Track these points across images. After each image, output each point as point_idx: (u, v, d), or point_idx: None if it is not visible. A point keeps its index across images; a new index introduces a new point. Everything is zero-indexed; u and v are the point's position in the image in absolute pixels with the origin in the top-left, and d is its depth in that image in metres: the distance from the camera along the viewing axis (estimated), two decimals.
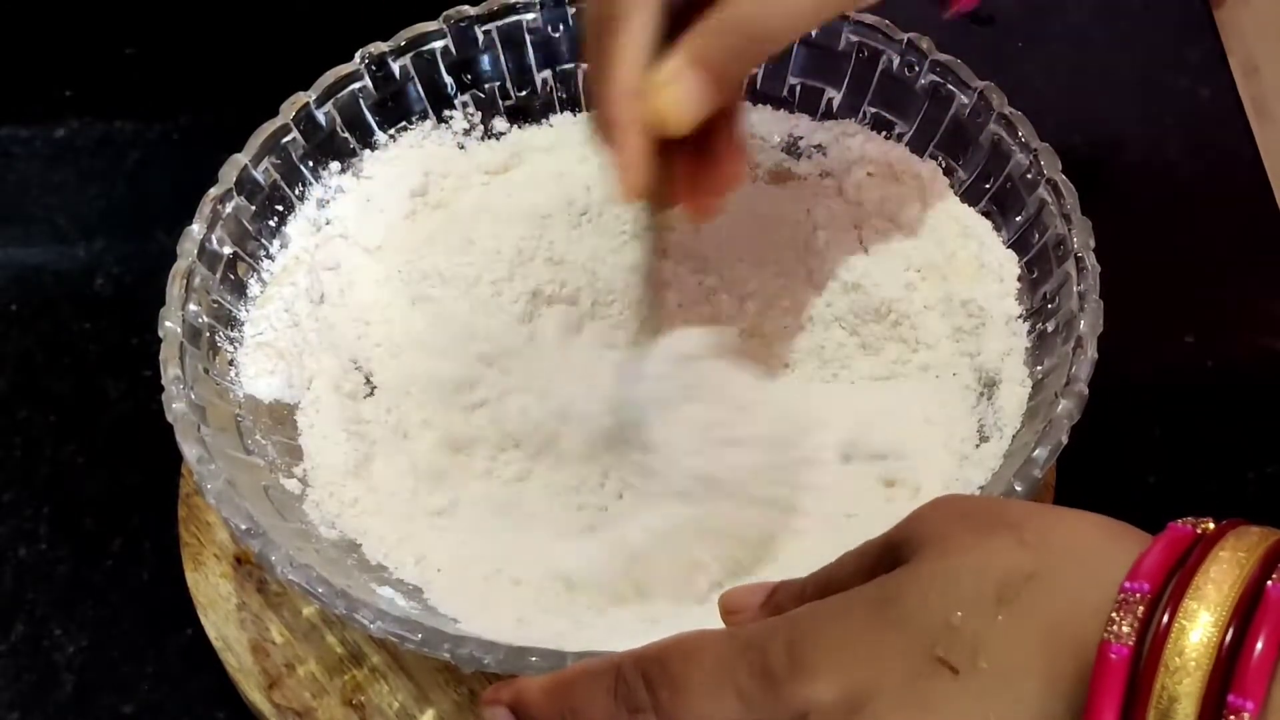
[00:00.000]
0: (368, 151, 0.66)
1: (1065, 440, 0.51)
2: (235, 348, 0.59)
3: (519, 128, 0.69)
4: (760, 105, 0.69)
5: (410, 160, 0.67)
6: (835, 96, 0.67)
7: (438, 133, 0.68)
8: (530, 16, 0.67)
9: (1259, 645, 0.29)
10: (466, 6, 0.67)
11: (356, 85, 0.65)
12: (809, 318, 0.65)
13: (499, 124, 0.69)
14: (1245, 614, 0.29)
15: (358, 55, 0.65)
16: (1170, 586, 0.30)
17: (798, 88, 0.68)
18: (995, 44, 0.85)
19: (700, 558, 0.56)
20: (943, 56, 0.64)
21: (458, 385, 0.63)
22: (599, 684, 0.37)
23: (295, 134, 0.63)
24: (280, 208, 0.63)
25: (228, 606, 0.59)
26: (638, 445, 0.59)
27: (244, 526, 0.50)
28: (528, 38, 0.68)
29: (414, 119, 0.67)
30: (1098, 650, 0.30)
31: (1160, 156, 0.80)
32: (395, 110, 0.67)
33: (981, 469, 0.55)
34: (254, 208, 0.62)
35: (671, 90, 0.50)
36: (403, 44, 0.66)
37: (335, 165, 0.65)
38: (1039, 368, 0.56)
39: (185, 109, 0.83)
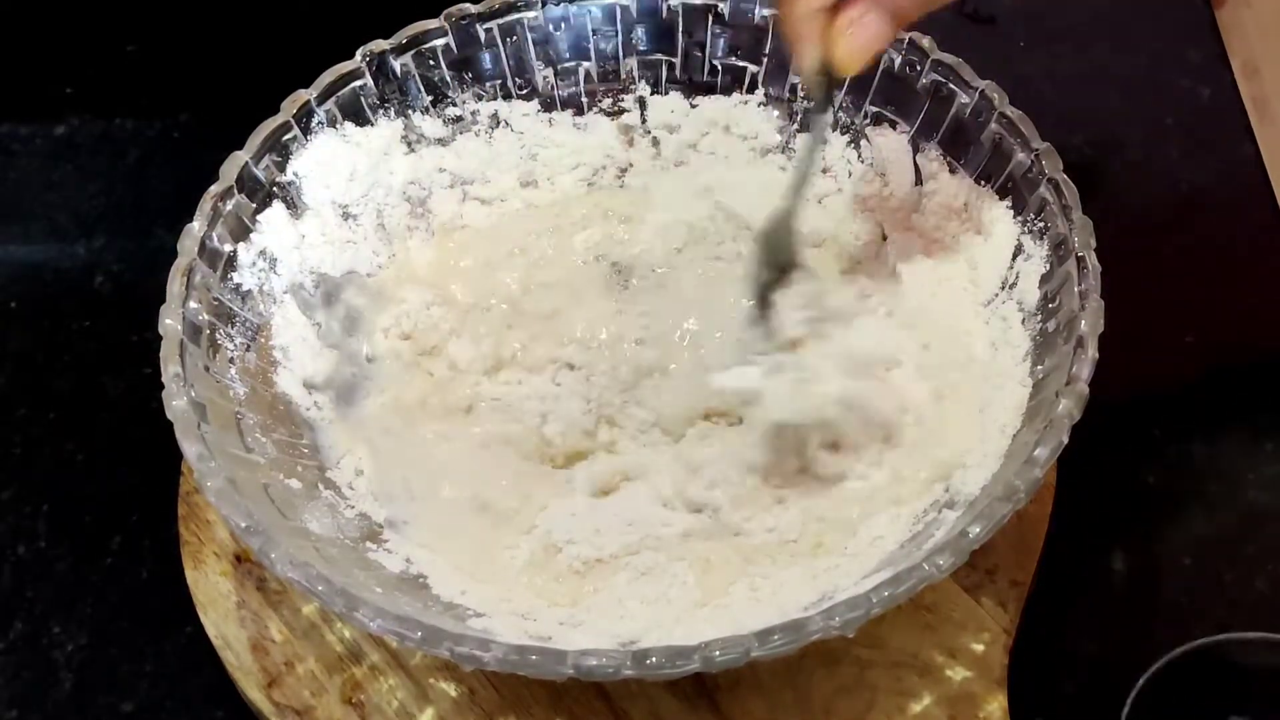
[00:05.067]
0: None
1: (1066, 439, 0.51)
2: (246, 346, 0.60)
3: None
4: (762, 105, 0.69)
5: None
6: (836, 95, 0.67)
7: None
8: (531, 14, 0.67)
9: None
10: (468, 4, 0.67)
11: (358, 83, 0.65)
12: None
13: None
14: None
15: (359, 53, 0.65)
16: None
17: (799, 86, 0.68)
18: (995, 44, 0.85)
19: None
20: (944, 56, 0.64)
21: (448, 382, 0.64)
22: None
23: (296, 131, 0.63)
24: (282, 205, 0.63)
25: (227, 605, 0.59)
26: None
27: (244, 524, 0.50)
28: (529, 35, 0.68)
29: (415, 116, 0.68)
30: None
31: (1160, 156, 0.80)
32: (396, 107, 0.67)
33: (982, 469, 0.55)
34: (255, 205, 0.62)
35: (849, 36, 0.54)
36: (404, 41, 0.66)
37: None
38: (1040, 367, 0.56)
39: (186, 106, 0.83)
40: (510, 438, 0.63)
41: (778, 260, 0.61)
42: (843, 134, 0.68)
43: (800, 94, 0.68)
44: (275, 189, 0.63)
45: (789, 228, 0.61)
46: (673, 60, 0.70)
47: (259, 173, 0.62)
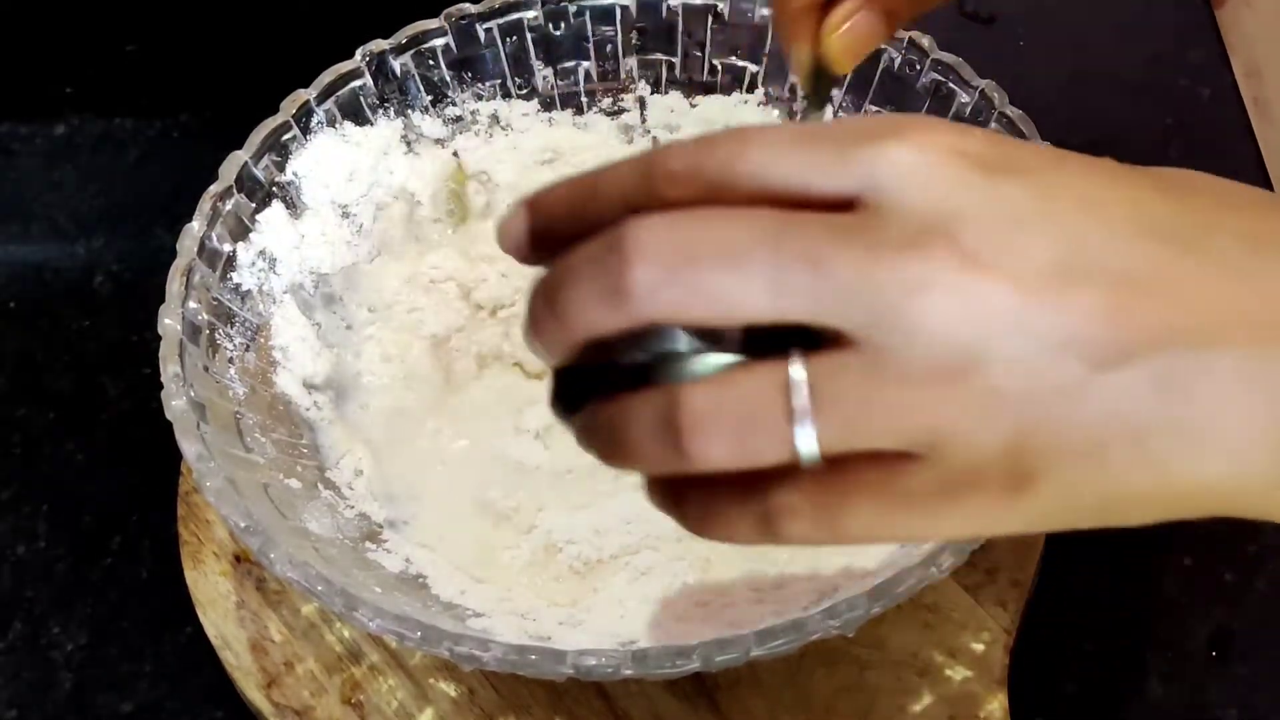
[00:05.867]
0: None
1: None
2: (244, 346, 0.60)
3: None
4: (761, 105, 0.69)
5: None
6: (836, 95, 0.67)
7: None
8: (531, 14, 0.67)
9: None
10: (467, 4, 0.67)
11: (357, 83, 0.65)
12: None
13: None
14: None
15: (358, 52, 0.65)
16: None
17: (797, 86, 0.68)
18: (995, 43, 0.85)
19: None
20: (944, 55, 0.64)
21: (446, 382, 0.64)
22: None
23: (295, 131, 0.63)
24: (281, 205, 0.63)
25: (227, 604, 0.59)
26: None
27: (243, 524, 0.50)
28: (529, 35, 0.68)
29: (415, 116, 0.67)
30: None
31: (1160, 157, 0.79)
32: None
33: None
34: (254, 205, 0.62)
35: (842, 34, 0.53)
36: (403, 41, 0.66)
37: None
38: None
39: (185, 106, 0.83)
40: (504, 437, 0.63)
41: None
42: None
43: (800, 94, 0.68)
44: (275, 189, 0.63)
45: None
46: (673, 60, 0.70)
47: (259, 173, 0.62)
